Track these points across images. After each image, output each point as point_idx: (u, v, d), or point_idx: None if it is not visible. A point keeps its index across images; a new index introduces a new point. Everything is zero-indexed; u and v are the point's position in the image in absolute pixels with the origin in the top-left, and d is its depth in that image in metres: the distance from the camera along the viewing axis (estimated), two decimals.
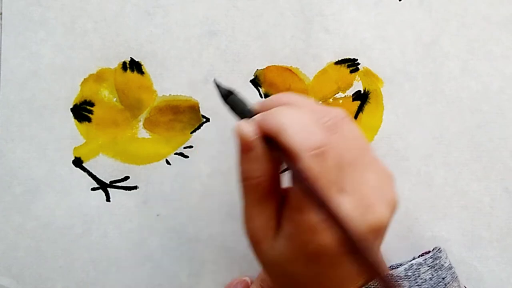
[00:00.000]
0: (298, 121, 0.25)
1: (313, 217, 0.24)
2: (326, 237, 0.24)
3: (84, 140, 0.37)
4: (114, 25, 0.37)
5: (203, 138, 0.37)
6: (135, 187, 0.37)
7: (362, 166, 0.27)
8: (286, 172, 0.27)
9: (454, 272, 0.31)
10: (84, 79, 0.37)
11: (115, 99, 0.37)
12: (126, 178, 0.37)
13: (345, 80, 0.37)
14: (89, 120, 0.37)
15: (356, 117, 0.37)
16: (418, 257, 0.33)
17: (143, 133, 0.37)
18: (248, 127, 0.26)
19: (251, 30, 0.37)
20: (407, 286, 0.29)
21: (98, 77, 0.37)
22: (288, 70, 0.37)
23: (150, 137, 0.37)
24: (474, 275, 0.36)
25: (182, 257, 0.37)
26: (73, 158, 0.37)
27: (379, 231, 0.26)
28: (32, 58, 0.37)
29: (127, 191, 0.37)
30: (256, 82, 0.37)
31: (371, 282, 0.28)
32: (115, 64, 0.37)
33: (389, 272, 0.29)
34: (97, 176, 0.37)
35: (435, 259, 0.31)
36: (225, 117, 0.37)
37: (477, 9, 0.37)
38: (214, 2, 0.37)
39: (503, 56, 0.37)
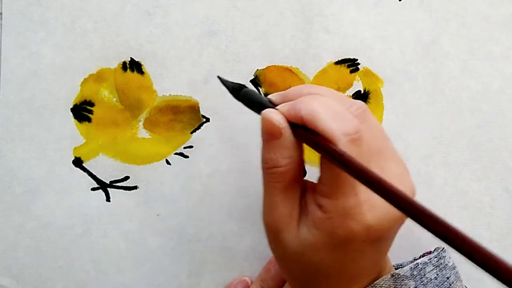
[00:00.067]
0: (332, 108, 0.25)
1: (347, 202, 0.24)
2: (358, 223, 0.25)
3: (84, 140, 0.37)
4: (114, 25, 0.37)
5: (203, 138, 0.37)
6: (135, 187, 0.37)
7: (386, 156, 0.27)
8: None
9: (457, 272, 0.32)
10: (84, 79, 0.37)
11: (115, 99, 0.37)
12: (126, 178, 0.37)
13: (345, 80, 0.37)
14: (89, 120, 0.37)
15: None
16: (419, 257, 0.33)
17: (143, 133, 0.37)
18: (277, 114, 0.26)
19: (251, 30, 0.37)
20: (413, 285, 0.29)
21: (98, 77, 0.37)
22: (288, 70, 0.37)
23: (150, 137, 0.37)
24: (474, 275, 0.36)
25: (182, 257, 0.37)
26: (73, 158, 0.37)
27: (403, 219, 0.26)
28: (32, 58, 0.37)
29: (127, 191, 0.37)
30: (256, 82, 0.37)
31: (383, 277, 0.28)
32: (115, 64, 0.37)
33: (395, 271, 0.29)
34: (97, 176, 0.37)
35: (440, 258, 0.31)
36: (225, 117, 0.37)
37: (477, 9, 0.37)
38: (214, 2, 0.37)
39: (503, 56, 0.37)
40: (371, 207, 0.25)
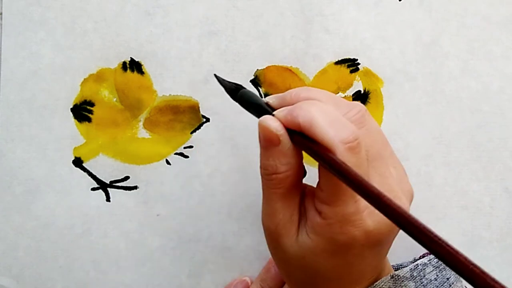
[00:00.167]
0: (329, 115, 0.25)
1: (346, 209, 0.24)
2: (358, 228, 0.25)
3: (84, 140, 0.37)
4: (114, 25, 0.37)
5: (203, 138, 0.37)
6: (135, 187, 0.37)
7: (385, 160, 0.27)
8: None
9: None
10: (84, 79, 0.37)
11: (115, 99, 0.37)
12: (126, 178, 0.37)
13: (345, 80, 0.37)
14: (89, 120, 0.37)
15: None
16: (419, 258, 0.33)
17: (143, 133, 0.37)
18: (274, 121, 0.26)
19: (251, 30, 0.37)
20: (413, 286, 0.29)
21: (98, 77, 0.37)
22: (288, 70, 0.37)
23: (150, 137, 0.37)
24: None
25: (182, 257, 0.37)
26: (73, 158, 0.37)
27: None
28: (32, 58, 0.37)
29: (127, 191, 0.37)
30: (256, 82, 0.37)
31: (382, 279, 0.28)
32: (115, 64, 0.37)
33: (394, 272, 0.29)
34: (97, 176, 0.37)
35: None
36: (225, 117, 0.37)
37: (477, 9, 0.37)
38: (214, 2, 0.37)
39: (503, 56, 0.37)
40: (371, 213, 0.25)
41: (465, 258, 0.19)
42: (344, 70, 0.37)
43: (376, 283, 0.28)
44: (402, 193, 0.27)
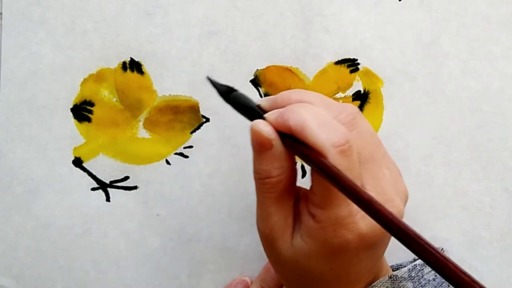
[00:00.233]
0: (321, 118, 0.25)
1: (339, 212, 0.24)
2: (352, 232, 0.25)
3: (84, 140, 0.37)
4: (114, 25, 0.37)
5: (203, 138, 0.37)
6: (135, 187, 0.37)
7: (378, 161, 0.27)
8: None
9: None
10: (84, 79, 0.37)
11: (115, 99, 0.37)
12: (126, 178, 0.37)
13: (345, 80, 0.37)
14: (89, 120, 0.37)
15: None
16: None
17: (143, 133, 0.37)
18: (266, 125, 0.26)
19: (251, 30, 0.37)
20: (411, 286, 0.29)
21: (98, 77, 0.37)
22: (288, 70, 0.37)
23: (150, 137, 0.37)
24: (474, 275, 0.36)
25: (182, 257, 0.37)
26: (73, 158, 0.37)
27: None
28: (32, 58, 0.37)
29: (127, 191, 0.37)
30: (256, 82, 0.37)
31: (380, 279, 0.28)
32: (115, 64, 0.37)
33: (392, 272, 0.29)
34: (97, 176, 0.37)
35: None
36: (225, 117, 0.37)
37: (477, 9, 0.37)
38: (214, 2, 0.37)
39: (503, 56, 0.37)
40: (364, 216, 0.24)
41: (455, 266, 0.19)
42: (344, 70, 0.37)
43: (374, 283, 0.28)
44: (396, 194, 0.26)
